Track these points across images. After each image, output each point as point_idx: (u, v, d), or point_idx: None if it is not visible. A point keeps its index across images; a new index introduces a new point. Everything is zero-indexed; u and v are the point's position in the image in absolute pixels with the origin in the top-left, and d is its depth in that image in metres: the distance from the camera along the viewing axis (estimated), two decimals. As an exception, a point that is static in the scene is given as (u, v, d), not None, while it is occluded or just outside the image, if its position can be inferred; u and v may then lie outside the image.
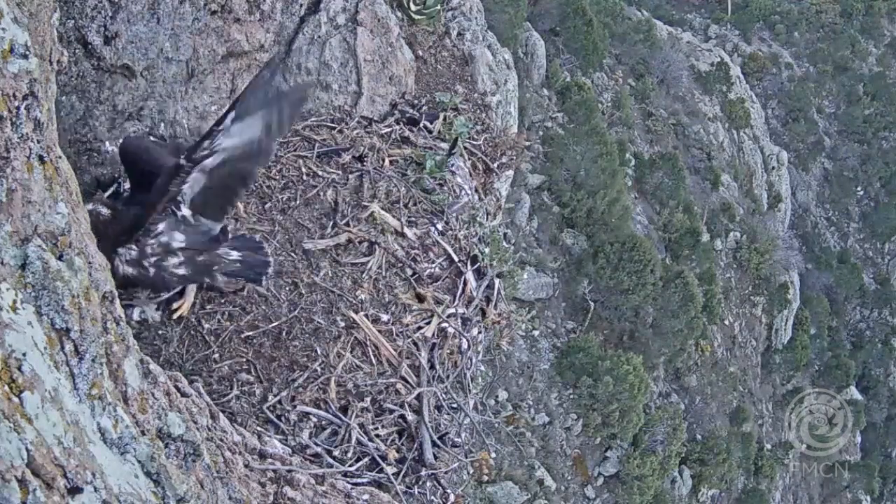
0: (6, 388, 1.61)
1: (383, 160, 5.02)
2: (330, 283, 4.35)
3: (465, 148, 5.48)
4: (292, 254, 4.41)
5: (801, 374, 20.98)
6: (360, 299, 4.32)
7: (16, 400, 1.62)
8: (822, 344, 21.92)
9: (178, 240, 3.66)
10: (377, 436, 3.98)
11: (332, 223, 4.58)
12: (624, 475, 13.08)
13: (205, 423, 2.74)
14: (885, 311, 24.54)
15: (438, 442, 4.14)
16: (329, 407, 3.96)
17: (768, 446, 18.88)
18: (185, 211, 3.62)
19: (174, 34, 4.32)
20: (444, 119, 5.53)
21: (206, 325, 4.03)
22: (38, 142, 1.94)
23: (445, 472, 4.09)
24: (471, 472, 4.59)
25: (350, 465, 3.79)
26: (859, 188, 26.34)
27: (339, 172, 4.88)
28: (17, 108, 1.85)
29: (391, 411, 4.07)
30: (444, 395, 4.30)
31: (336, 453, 3.83)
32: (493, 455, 10.23)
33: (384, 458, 3.92)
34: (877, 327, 24.48)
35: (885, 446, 23.39)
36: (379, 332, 4.24)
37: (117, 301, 2.25)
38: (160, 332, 3.97)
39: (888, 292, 24.76)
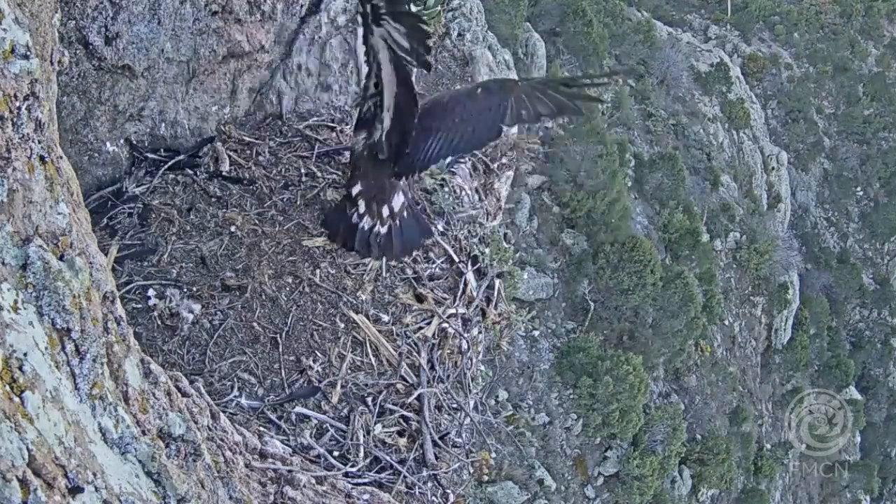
0: (7, 387, 1.62)
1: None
2: (330, 283, 4.35)
3: (466, 148, 5.48)
4: (293, 254, 4.41)
5: (800, 374, 20.99)
6: (360, 300, 4.33)
7: (17, 399, 1.62)
8: (822, 344, 21.93)
9: None
10: (378, 436, 3.99)
11: (332, 223, 4.58)
12: (624, 475, 13.09)
13: (205, 423, 2.74)
14: (885, 311, 24.55)
15: (439, 442, 4.15)
16: (330, 408, 3.97)
17: (768, 446, 18.88)
18: None
19: (175, 35, 4.32)
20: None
21: (207, 325, 4.03)
22: (40, 142, 1.94)
23: (446, 472, 4.09)
24: (471, 472, 4.59)
25: (351, 466, 3.80)
26: (859, 188, 26.35)
27: (340, 173, 4.88)
28: (19, 108, 1.85)
29: (392, 412, 4.07)
30: (444, 396, 4.31)
31: (336, 453, 3.83)
32: (494, 455, 10.24)
33: (385, 458, 3.92)
34: (876, 327, 24.48)
35: (885, 446, 23.40)
36: (379, 332, 4.25)
37: (118, 301, 2.25)
38: (161, 331, 3.98)
39: (888, 292, 24.77)
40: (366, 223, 4.27)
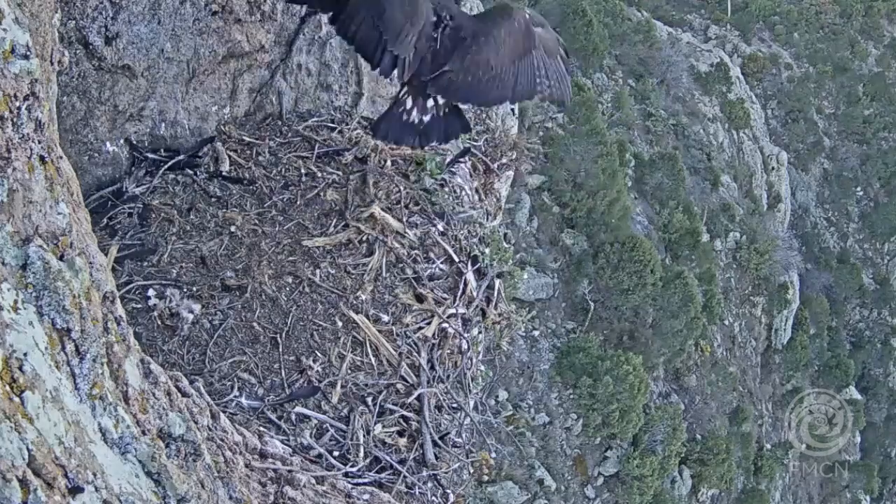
0: (7, 387, 1.62)
1: (385, 161, 5.02)
2: (330, 283, 4.35)
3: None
4: (293, 254, 4.41)
5: (800, 374, 21.00)
6: (360, 300, 4.33)
7: (17, 399, 1.62)
8: (822, 344, 21.93)
9: None
10: (378, 436, 3.99)
11: (332, 223, 4.59)
12: (624, 475, 13.10)
13: (205, 423, 2.74)
14: (885, 311, 24.55)
15: (439, 442, 4.14)
16: (330, 408, 3.96)
17: (768, 446, 18.89)
18: None
19: (175, 35, 4.32)
20: (445, 119, 5.52)
21: (207, 325, 4.03)
22: (40, 142, 1.94)
23: (446, 472, 4.09)
24: (471, 472, 4.59)
25: (351, 466, 3.79)
26: (859, 188, 26.35)
27: (340, 173, 4.88)
28: (19, 108, 1.85)
29: (392, 412, 4.07)
30: (444, 396, 4.31)
31: (336, 453, 3.83)
32: (494, 455, 10.24)
33: (385, 458, 3.92)
34: (876, 327, 24.48)
35: (885, 446, 23.40)
36: (379, 332, 4.25)
37: (118, 301, 2.25)
38: (161, 331, 3.98)
39: (888, 292, 24.77)
40: (414, 117, 4.47)
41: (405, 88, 4.45)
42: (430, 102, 4.47)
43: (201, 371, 3.88)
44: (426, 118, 4.48)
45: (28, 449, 1.58)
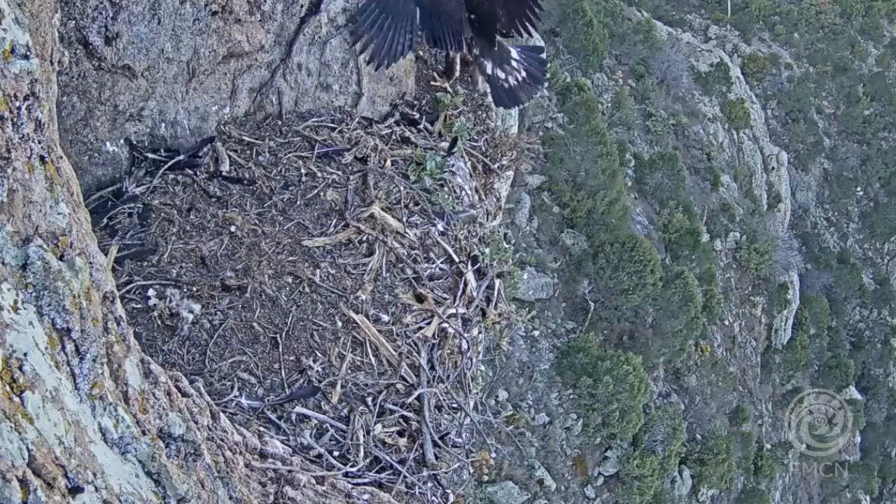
0: (7, 387, 1.62)
1: (384, 161, 5.02)
2: (330, 283, 4.35)
3: (465, 149, 5.49)
4: (293, 254, 4.41)
5: (800, 374, 21.00)
6: (360, 300, 4.33)
7: (17, 399, 1.62)
8: (822, 344, 21.93)
9: None
10: (378, 436, 3.99)
11: (332, 223, 4.59)
12: (624, 475, 13.11)
13: (205, 423, 2.74)
14: (885, 311, 24.56)
15: (439, 442, 4.14)
16: (330, 408, 3.96)
17: (768, 446, 18.89)
18: None
19: (175, 35, 4.32)
20: (445, 119, 5.53)
21: (207, 325, 4.03)
22: (40, 142, 1.94)
23: (446, 472, 4.09)
24: (471, 472, 4.59)
25: (351, 466, 3.79)
26: (859, 188, 26.36)
27: (340, 173, 4.88)
28: (19, 108, 1.85)
29: (392, 412, 4.07)
30: (444, 396, 4.31)
31: (336, 453, 3.83)
32: (494, 455, 10.25)
33: (385, 458, 3.92)
34: (876, 327, 24.49)
35: (885, 446, 23.40)
36: (379, 332, 4.25)
37: (118, 301, 2.25)
38: (161, 331, 3.98)
39: (888, 292, 24.77)
40: (511, 81, 5.51)
41: (488, 61, 5.47)
42: (513, 63, 5.52)
43: (201, 371, 3.88)
44: (523, 75, 5.53)
45: (28, 449, 1.58)
